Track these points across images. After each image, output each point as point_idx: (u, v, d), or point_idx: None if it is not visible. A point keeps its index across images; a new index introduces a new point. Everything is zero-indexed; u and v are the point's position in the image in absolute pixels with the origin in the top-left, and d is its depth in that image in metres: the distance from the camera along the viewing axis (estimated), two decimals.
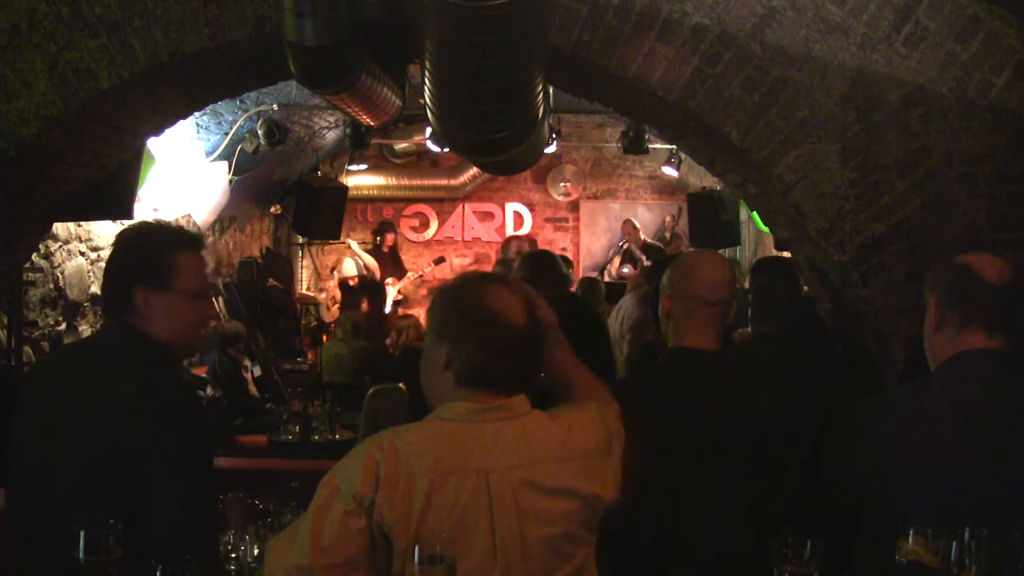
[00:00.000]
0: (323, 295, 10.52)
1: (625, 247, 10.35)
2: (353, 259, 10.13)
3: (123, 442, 2.00)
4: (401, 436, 1.78)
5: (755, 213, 5.73)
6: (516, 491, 1.74)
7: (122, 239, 2.34)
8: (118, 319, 2.23)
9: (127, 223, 6.20)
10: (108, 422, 2.02)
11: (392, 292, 10.09)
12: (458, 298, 1.87)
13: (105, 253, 6.13)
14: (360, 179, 10.78)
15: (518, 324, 1.83)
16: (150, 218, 6.80)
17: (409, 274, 10.36)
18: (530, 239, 9.19)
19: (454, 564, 1.63)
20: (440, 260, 10.65)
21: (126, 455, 1.99)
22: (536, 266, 4.33)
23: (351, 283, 9.90)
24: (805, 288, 4.33)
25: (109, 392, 2.05)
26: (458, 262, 11.38)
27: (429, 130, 6.76)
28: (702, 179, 9.56)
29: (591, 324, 4.62)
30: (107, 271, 2.30)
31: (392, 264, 10.17)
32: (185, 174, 6.67)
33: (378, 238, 10.32)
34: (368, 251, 10.32)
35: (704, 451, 2.28)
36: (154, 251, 2.24)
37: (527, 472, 1.76)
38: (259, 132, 7.07)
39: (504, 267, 6.62)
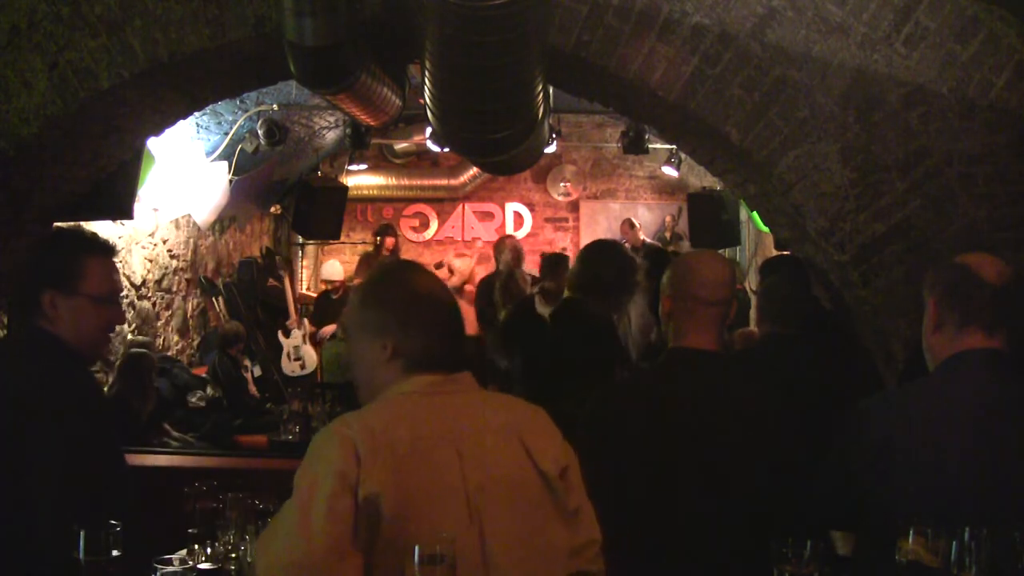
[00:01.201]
0: (288, 340, 8.58)
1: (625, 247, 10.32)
2: (338, 261, 9.63)
3: (12, 437, 2.07)
4: (368, 414, 1.82)
5: (755, 213, 5.73)
6: (484, 455, 1.80)
7: (35, 244, 2.43)
8: (26, 321, 2.29)
9: (128, 223, 6.23)
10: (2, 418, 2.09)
11: None
12: (390, 290, 1.93)
13: None
14: (360, 179, 10.77)
15: (452, 306, 1.94)
16: (150, 218, 6.80)
17: None
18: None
19: (455, 564, 1.63)
20: (439, 266, 10.60)
21: (12, 451, 2.05)
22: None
23: (332, 289, 9.21)
24: None
25: (5, 389, 2.14)
26: (458, 263, 11.37)
27: (429, 130, 6.76)
28: (702, 179, 9.56)
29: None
30: (22, 277, 2.40)
31: None
32: (185, 174, 6.67)
33: (378, 239, 10.13)
34: (368, 253, 10.17)
35: (704, 451, 2.27)
36: (62, 256, 2.32)
37: (493, 437, 1.82)
38: (259, 132, 7.07)
39: (506, 286, 6.40)
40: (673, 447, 2.27)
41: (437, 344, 1.88)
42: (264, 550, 1.75)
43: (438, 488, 1.74)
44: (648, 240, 10.55)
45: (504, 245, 7.51)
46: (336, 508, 1.67)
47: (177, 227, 7.57)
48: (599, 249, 4.14)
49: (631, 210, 11.25)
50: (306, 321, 9.04)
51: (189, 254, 7.90)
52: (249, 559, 2.16)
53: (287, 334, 8.63)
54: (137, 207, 5.27)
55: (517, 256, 7.28)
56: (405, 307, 1.89)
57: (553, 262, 6.43)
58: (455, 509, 1.74)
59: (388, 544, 1.69)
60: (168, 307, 7.51)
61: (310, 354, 8.47)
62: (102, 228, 6.05)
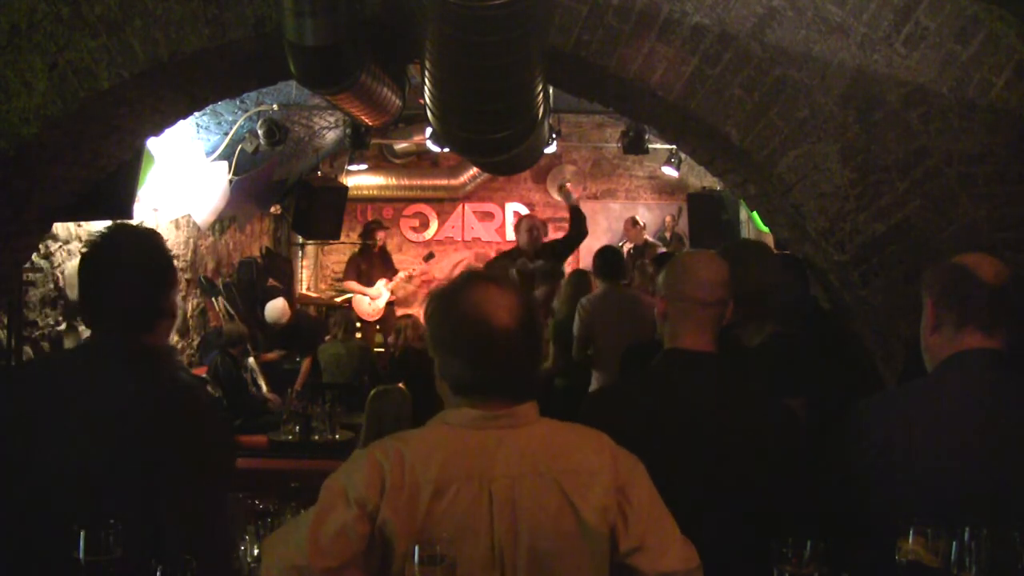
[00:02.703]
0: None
1: (626, 246, 10.32)
2: (279, 299, 8.52)
3: (144, 457, 1.97)
4: (407, 442, 1.77)
5: (755, 213, 5.72)
6: (516, 501, 1.72)
7: (142, 246, 2.20)
8: (129, 334, 2.12)
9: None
10: (129, 439, 1.97)
11: (386, 293, 9.84)
12: (445, 307, 1.81)
13: None
14: (360, 179, 10.77)
15: (505, 332, 1.75)
16: (150, 218, 6.80)
17: (400, 273, 10.06)
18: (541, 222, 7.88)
19: (455, 564, 1.63)
20: (430, 256, 10.57)
21: (147, 468, 1.96)
22: None
23: (283, 323, 8.31)
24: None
25: (134, 410, 2.01)
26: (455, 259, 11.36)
27: (429, 130, 6.76)
28: (702, 179, 9.57)
29: None
30: (136, 282, 2.15)
31: (382, 264, 9.95)
32: (185, 174, 6.67)
33: (373, 235, 9.95)
34: (359, 252, 10.05)
35: (701, 453, 2.27)
36: (166, 250, 2.21)
37: (528, 482, 1.73)
38: (259, 132, 7.07)
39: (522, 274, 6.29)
40: (670, 450, 2.26)
41: (480, 374, 1.77)
42: (272, 549, 1.76)
43: (461, 532, 1.68)
44: (650, 239, 10.55)
45: (521, 225, 7.44)
46: (349, 530, 1.66)
47: (177, 227, 7.57)
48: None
49: (631, 210, 11.24)
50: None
51: (189, 254, 7.90)
52: (249, 559, 2.17)
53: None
54: (137, 207, 5.27)
55: (534, 236, 7.26)
56: (450, 330, 1.79)
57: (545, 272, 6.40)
58: (479, 553, 1.68)
59: None
60: None
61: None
62: (102, 228, 6.05)
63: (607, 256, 6.02)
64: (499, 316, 1.75)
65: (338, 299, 10.47)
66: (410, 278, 10.31)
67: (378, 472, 1.70)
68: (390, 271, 9.91)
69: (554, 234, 11.46)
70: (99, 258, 2.20)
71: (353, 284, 9.67)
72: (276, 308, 8.20)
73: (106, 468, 1.97)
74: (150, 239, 2.24)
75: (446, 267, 11.21)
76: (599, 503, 1.74)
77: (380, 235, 9.81)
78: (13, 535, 2.02)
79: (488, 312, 1.76)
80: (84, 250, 2.23)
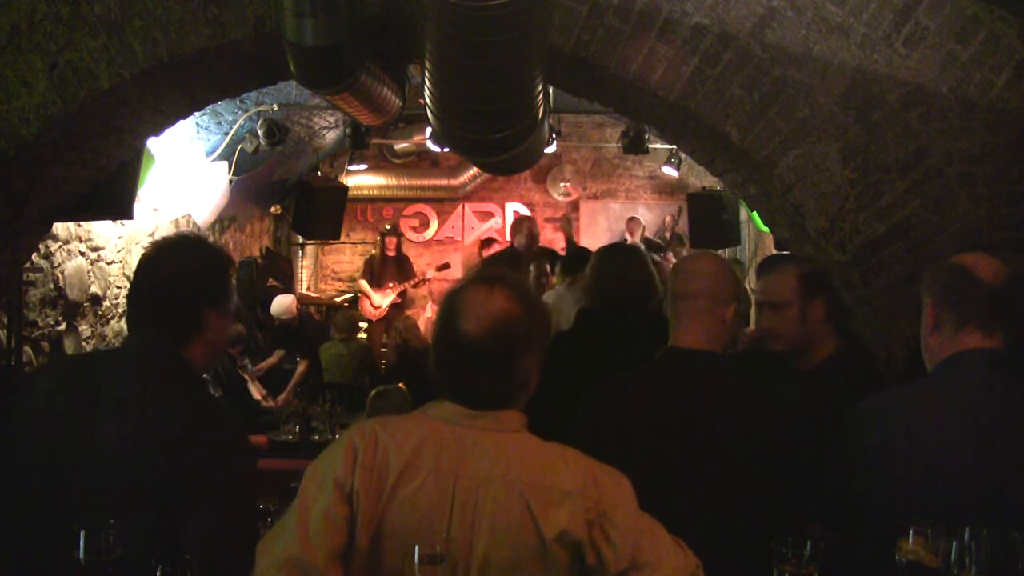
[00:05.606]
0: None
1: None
2: (288, 295, 8.55)
3: (176, 475, 1.94)
4: (385, 426, 1.80)
5: (755, 213, 5.72)
6: (478, 503, 1.70)
7: (189, 257, 2.15)
8: (168, 345, 2.08)
9: (128, 223, 6.22)
10: (168, 455, 1.94)
11: (390, 296, 9.85)
12: (440, 312, 1.84)
13: (105, 253, 6.13)
14: (360, 179, 10.78)
15: (470, 341, 1.75)
16: (150, 218, 6.80)
17: (411, 281, 10.01)
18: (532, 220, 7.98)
19: (458, 564, 1.63)
20: (445, 266, 10.55)
21: (176, 486, 1.94)
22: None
23: (287, 320, 8.18)
24: None
25: (174, 427, 1.98)
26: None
27: (429, 130, 6.76)
28: (702, 179, 9.56)
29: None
30: (176, 293, 2.11)
31: (396, 268, 9.98)
32: (185, 174, 6.67)
33: (379, 240, 10.03)
34: (373, 256, 10.12)
35: (694, 450, 2.26)
36: (220, 271, 2.17)
37: (494, 488, 1.71)
38: (259, 132, 7.07)
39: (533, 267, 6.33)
40: (664, 447, 2.26)
41: (444, 375, 1.80)
42: (265, 549, 1.75)
43: (422, 523, 1.69)
44: (651, 237, 10.55)
45: (521, 226, 7.46)
46: (332, 516, 1.68)
47: (177, 227, 7.56)
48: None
49: (631, 210, 11.25)
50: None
51: None
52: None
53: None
54: (137, 207, 5.28)
55: (533, 238, 7.30)
56: (436, 337, 1.82)
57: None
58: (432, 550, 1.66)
59: (360, 568, 1.68)
60: None
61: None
62: (102, 228, 6.06)
63: (569, 255, 6.02)
64: (471, 324, 1.75)
65: (338, 299, 10.46)
66: (420, 283, 10.27)
67: (352, 452, 1.73)
68: (405, 276, 9.90)
69: (554, 234, 11.51)
70: (160, 260, 2.16)
71: (363, 283, 9.77)
72: (283, 303, 8.21)
73: (127, 471, 1.96)
74: (215, 253, 2.20)
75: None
76: (562, 525, 1.69)
77: (390, 241, 9.87)
78: (29, 531, 2.01)
79: (462, 318, 1.76)
80: (147, 250, 2.21)
